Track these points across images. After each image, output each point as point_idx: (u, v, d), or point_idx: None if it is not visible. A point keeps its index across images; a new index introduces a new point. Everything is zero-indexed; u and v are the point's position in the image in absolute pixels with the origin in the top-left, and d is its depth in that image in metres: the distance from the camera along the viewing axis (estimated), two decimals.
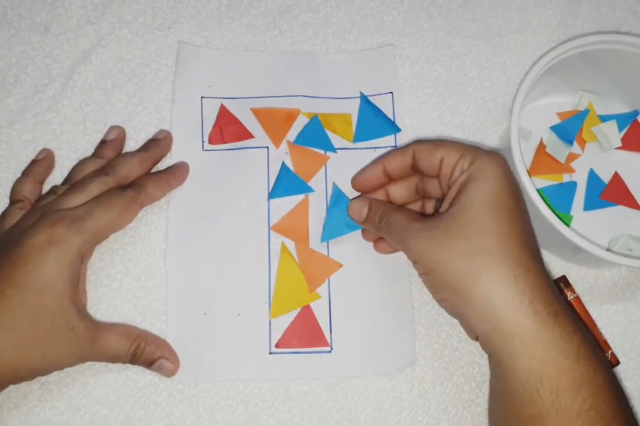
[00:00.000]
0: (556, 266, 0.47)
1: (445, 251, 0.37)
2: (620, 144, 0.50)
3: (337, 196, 0.47)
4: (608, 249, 0.47)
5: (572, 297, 0.45)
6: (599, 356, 0.36)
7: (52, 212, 0.41)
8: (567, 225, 0.47)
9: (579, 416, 0.34)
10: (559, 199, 0.49)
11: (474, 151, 0.40)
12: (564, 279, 0.46)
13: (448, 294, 0.38)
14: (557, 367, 0.35)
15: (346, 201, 0.46)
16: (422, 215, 0.45)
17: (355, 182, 0.46)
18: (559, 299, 0.37)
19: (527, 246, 0.37)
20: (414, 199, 0.45)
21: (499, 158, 0.39)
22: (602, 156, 0.51)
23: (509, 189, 0.38)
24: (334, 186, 0.47)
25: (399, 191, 0.45)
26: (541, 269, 0.37)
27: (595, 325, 0.45)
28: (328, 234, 0.46)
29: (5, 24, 0.50)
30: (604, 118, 0.51)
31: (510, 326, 0.35)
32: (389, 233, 0.42)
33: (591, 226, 0.48)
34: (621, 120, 0.51)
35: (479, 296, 0.36)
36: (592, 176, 0.49)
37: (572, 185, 0.49)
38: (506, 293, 0.35)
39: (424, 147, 0.41)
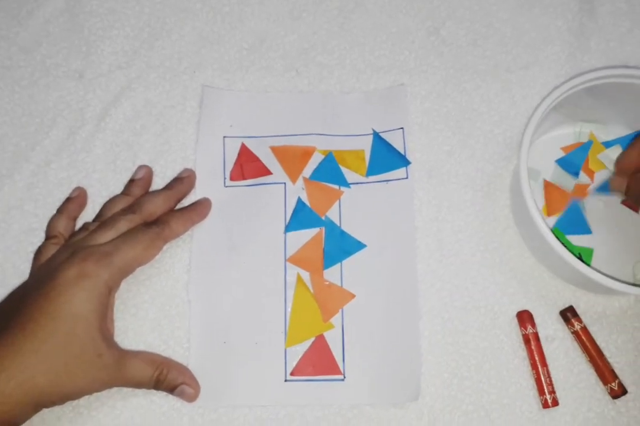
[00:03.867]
0: (564, 295, 0.48)
1: None
2: None
3: (331, 227, 0.49)
4: (634, 275, 0.49)
5: (579, 327, 0.47)
6: None
7: (83, 248, 0.44)
8: (589, 259, 0.49)
9: None
10: (572, 225, 0.50)
11: None
12: (571, 309, 0.47)
13: None
14: None
15: (339, 231, 0.49)
16: None
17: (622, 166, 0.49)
18: None
19: None
20: None
21: None
22: None
23: None
24: (326, 217, 0.50)
25: None
26: None
27: (602, 355, 0.46)
28: (328, 261, 0.49)
29: (43, 72, 0.54)
30: (607, 144, 0.52)
31: None
32: None
33: (614, 250, 0.50)
34: (624, 143, 0.52)
35: None
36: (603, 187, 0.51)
37: (575, 206, 0.50)
38: None
39: None
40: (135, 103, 0.53)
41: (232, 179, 0.51)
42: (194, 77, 0.54)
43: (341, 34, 0.55)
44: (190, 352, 0.47)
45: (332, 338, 0.47)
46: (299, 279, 0.48)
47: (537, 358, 0.46)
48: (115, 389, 0.45)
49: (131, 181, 0.51)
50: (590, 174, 0.52)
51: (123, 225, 0.46)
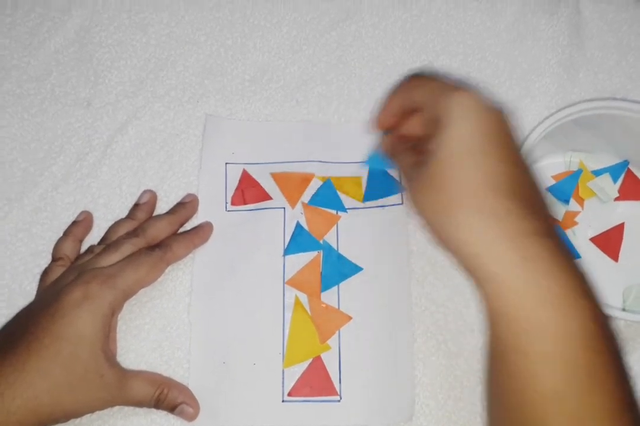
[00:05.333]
0: None
1: (426, 204, 0.39)
2: (617, 195, 0.53)
3: (328, 250, 0.51)
4: (624, 301, 0.50)
5: None
6: (583, 298, 0.36)
7: (89, 270, 0.45)
8: None
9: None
10: None
11: (445, 92, 0.40)
12: None
13: (438, 243, 0.40)
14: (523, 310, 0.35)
15: (336, 255, 0.50)
16: None
17: (377, 125, 0.48)
18: (536, 240, 0.36)
19: (495, 188, 0.37)
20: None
21: (468, 97, 0.39)
22: (602, 209, 0.53)
23: (480, 130, 0.38)
24: (324, 241, 0.51)
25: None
26: (513, 210, 0.37)
27: None
28: (326, 284, 0.50)
29: (53, 100, 0.56)
30: (596, 173, 0.54)
31: (485, 276, 0.36)
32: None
33: (603, 276, 0.50)
34: (614, 172, 0.54)
35: (458, 249, 0.38)
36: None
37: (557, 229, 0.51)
38: (477, 244, 0.36)
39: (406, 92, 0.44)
40: (141, 131, 0.55)
41: (233, 204, 0.53)
42: (197, 107, 0.56)
43: (339, 66, 0.57)
44: (190, 372, 0.48)
45: (329, 360, 0.48)
46: (297, 301, 0.50)
47: None
48: (116, 408, 0.46)
49: (136, 206, 0.52)
50: (581, 201, 0.53)
51: (127, 248, 0.47)
